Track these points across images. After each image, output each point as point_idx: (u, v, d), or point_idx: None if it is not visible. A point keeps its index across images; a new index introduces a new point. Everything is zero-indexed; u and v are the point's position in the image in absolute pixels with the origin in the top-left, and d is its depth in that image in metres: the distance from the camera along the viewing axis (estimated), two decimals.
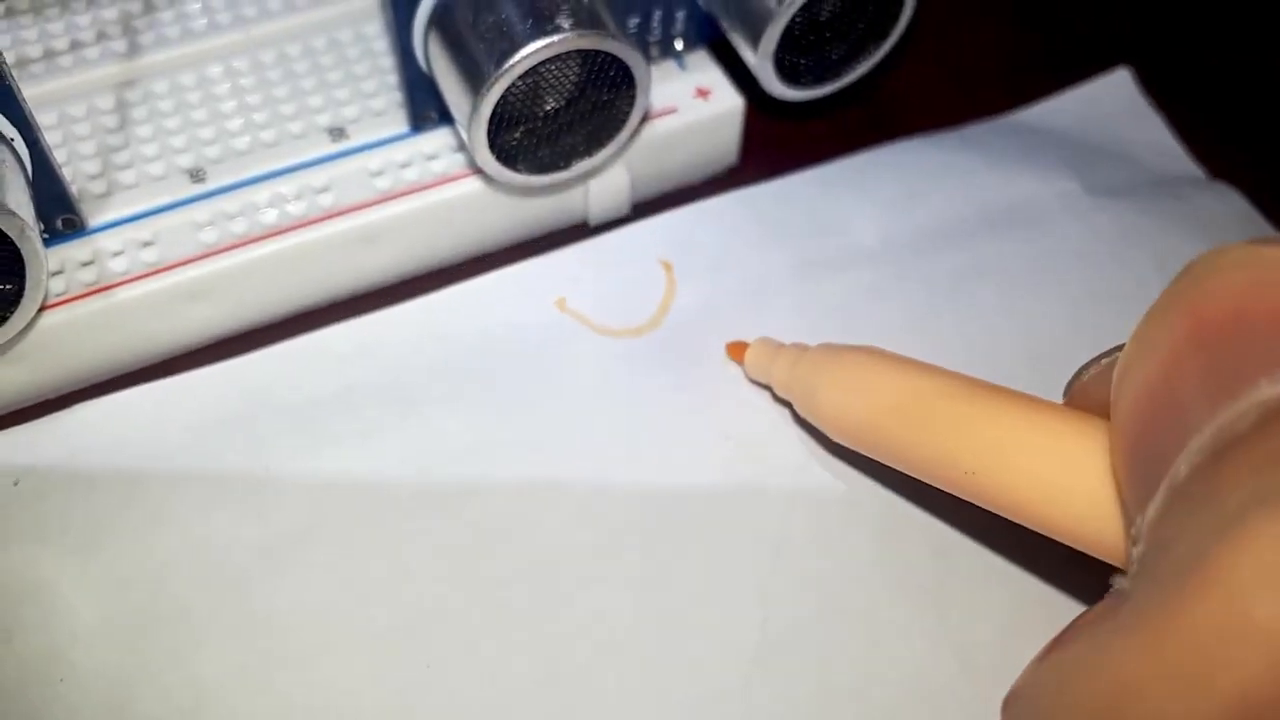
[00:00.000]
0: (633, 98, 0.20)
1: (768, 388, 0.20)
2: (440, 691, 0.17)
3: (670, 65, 0.23)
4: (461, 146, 0.21)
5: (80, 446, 0.18)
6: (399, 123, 0.22)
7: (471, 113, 0.19)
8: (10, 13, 0.22)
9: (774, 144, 0.24)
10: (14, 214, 0.16)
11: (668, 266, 0.22)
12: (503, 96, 0.19)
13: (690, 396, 0.20)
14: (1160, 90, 0.25)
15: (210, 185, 0.21)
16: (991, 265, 0.22)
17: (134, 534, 0.18)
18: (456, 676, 0.17)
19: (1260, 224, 0.23)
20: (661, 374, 0.20)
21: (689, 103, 0.23)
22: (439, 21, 0.20)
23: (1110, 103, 0.25)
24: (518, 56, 0.18)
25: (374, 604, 0.17)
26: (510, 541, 0.18)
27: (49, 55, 0.22)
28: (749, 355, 0.20)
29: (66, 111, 0.21)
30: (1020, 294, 0.21)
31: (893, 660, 0.17)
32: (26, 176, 0.18)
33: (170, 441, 0.19)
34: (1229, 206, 0.23)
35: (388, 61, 0.22)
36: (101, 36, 0.22)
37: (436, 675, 0.17)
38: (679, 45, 0.23)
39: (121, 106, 0.21)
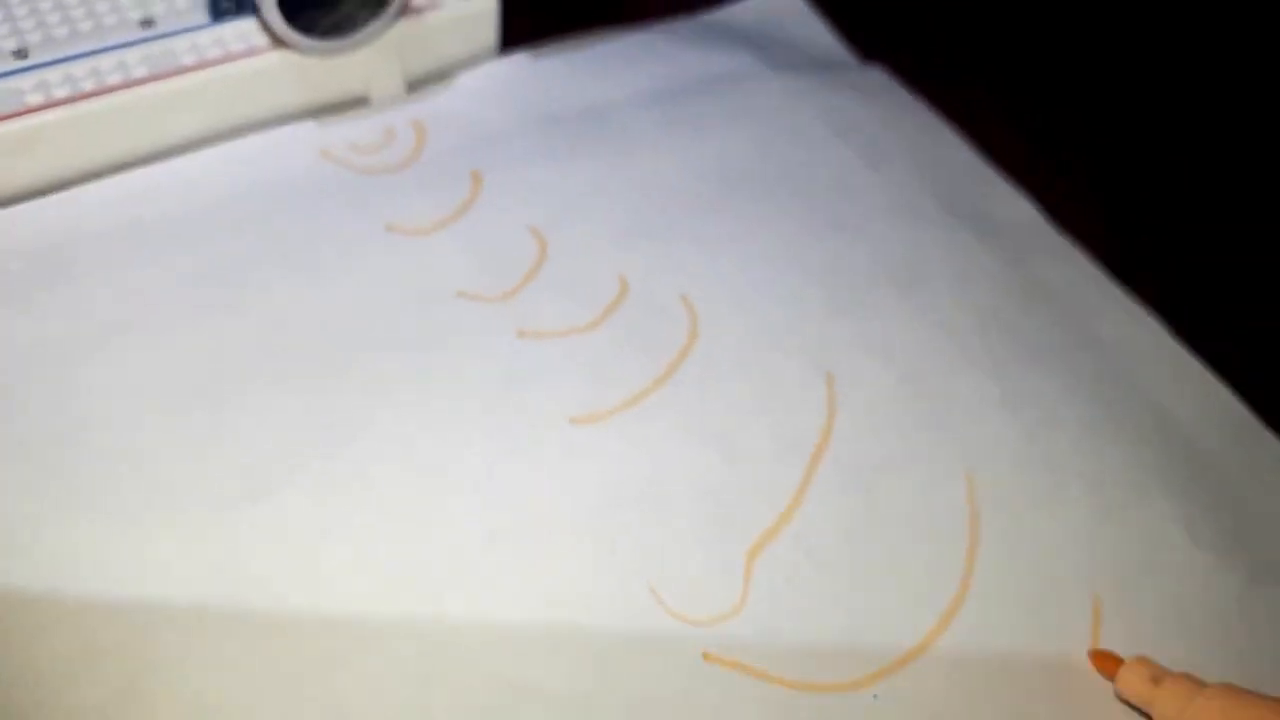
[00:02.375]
0: None
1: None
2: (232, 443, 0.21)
3: None
4: (257, 30, 0.25)
5: None
6: (202, 13, 0.25)
7: None
8: None
9: (530, 38, 0.29)
10: None
11: (418, 122, 0.26)
12: None
13: (444, 212, 0.25)
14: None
15: (33, 61, 0.24)
16: (690, 118, 0.28)
17: None
18: (247, 431, 0.21)
19: (897, 91, 0.30)
20: (419, 197, 0.25)
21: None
22: None
23: (782, 6, 0.32)
24: None
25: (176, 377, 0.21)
26: (287, 332, 0.22)
27: None
28: (1124, 676, 0.19)
29: None
30: (713, 137, 0.27)
31: None
32: None
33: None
34: (872, 80, 0.30)
35: None
36: None
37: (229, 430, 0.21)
38: None
39: None
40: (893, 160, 0.28)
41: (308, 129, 0.26)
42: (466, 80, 0.27)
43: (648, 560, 0.20)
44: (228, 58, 0.25)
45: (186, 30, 0.25)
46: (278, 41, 0.25)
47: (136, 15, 0.25)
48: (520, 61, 0.28)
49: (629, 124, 0.27)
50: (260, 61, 0.25)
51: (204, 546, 0.19)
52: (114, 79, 0.24)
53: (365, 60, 0.26)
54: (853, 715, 0.19)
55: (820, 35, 0.31)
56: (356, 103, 0.27)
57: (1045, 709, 0.19)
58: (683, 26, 0.30)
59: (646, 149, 0.27)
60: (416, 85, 0.27)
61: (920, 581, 0.21)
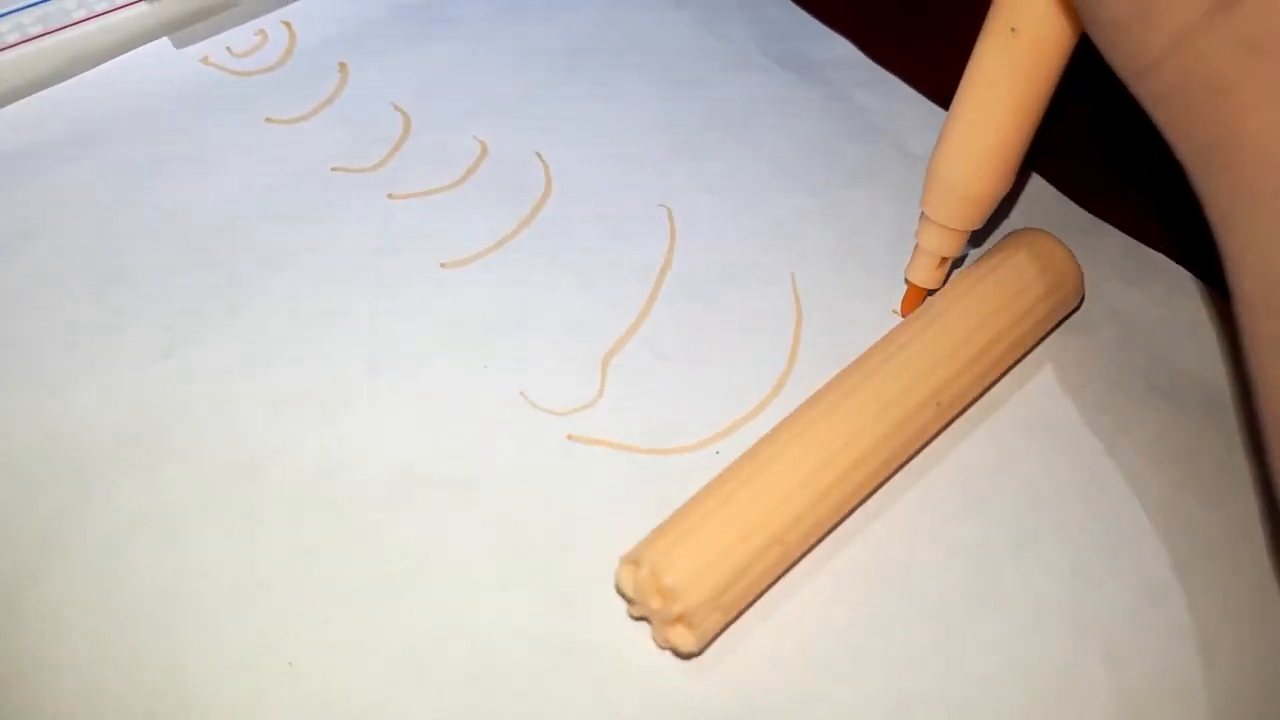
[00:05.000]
0: None
1: None
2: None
3: None
4: None
5: None
6: None
7: None
8: None
9: None
10: None
11: (287, 24, 0.29)
12: None
13: (315, 101, 0.27)
14: None
15: None
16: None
17: None
18: (157, 302, 0.24)
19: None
20: (293, 91, 0.28)
21: None
22: None
23: None
24: None
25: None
26: (186, 217, 0.25)
27: None
28: (914, 276, 0.24)
29: None
30: (560, 12, 0.30)
31: None
32: None
33: None
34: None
35: None
36: None
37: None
38: None
39: None
40: (727, 22, 0.31)
41: (188, 38, 0.28)
42: None
43: (516, 371, 0.23)
44: (113, 8, 0.28)
45: None
46: None
47: None
48: None
49: (481, 5, 0.30)
50: (142, 6, 0.28)
51: (124, 395, 0.22)
52: (12, 37, 0.27)
53: None
54: (698, 468, 0.22)
55: None
56: (228, 4, 0.29)
57: None
58: None
59: (499, 27, 0.30)
60: None
61: (754, 363, 0.24)
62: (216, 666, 0.19)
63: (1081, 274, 0.23)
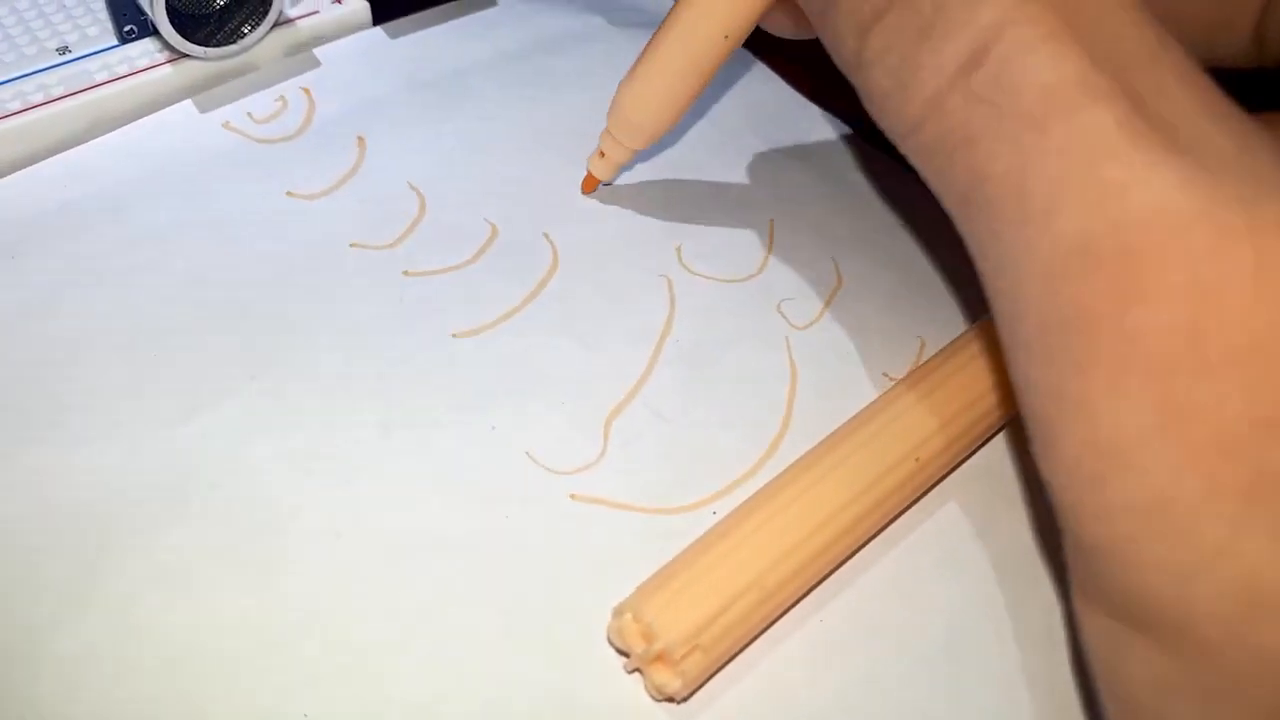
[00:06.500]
0: None
1: None
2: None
3: None
4: (159, 47, 0.29)
5: None
6: (110, 38, 0.30)
7: (153, 2, 0.27)
8: None
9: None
10: None
11: (307, 91, 0.30)
12: None
13: (334, 177, 0.29)
14: None
15: None
16: (543, 77, 0.32)
17: None
18: (178, 366, 0.25)
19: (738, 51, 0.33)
20: (312, 164, 0.29)
21: (327, 6, 0.32)
22: None
23: None
24: None
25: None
26: (206, 286, 0.26)
27: None
28: (592, 166, 0.29)
29: None
30: (566, 94, 0.32)
31: None
32: None
33: None
34: None
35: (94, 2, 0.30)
36: None
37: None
38: None
39: None
40: (724, 106, 0.32)
41: (209, 102, 0.29)
42: (345, 46, 0.32)
43: (521, 431, 0.24)
44: (134, 71, 0.29)
45: (98, 53, 0.29)
46: (176, 53, 0.29)
47: (54, 44, 0.29)
48: (394, 29, 0.32)
49: (491, 85, 0.32)
50: (163, 70, 0.29)
51: (145, 457, 0.23)
52: (37, 98, 0.28)
53: (251, 56, 0.30)
54: (696, 528, 0.23)
55: None
56: (247, 68, 0.31)
57: None
58: None
59: (508, 107, 0.31)
60: (297, 50, 0.31)
61: (750, 423, 0.25)
62: (235, 719, 0.20)
63: None
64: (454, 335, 0.26)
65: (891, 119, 0.19)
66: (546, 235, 0.28)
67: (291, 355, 0.25)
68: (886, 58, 0.19)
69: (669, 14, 0.26)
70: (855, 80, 0.20)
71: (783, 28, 0.26)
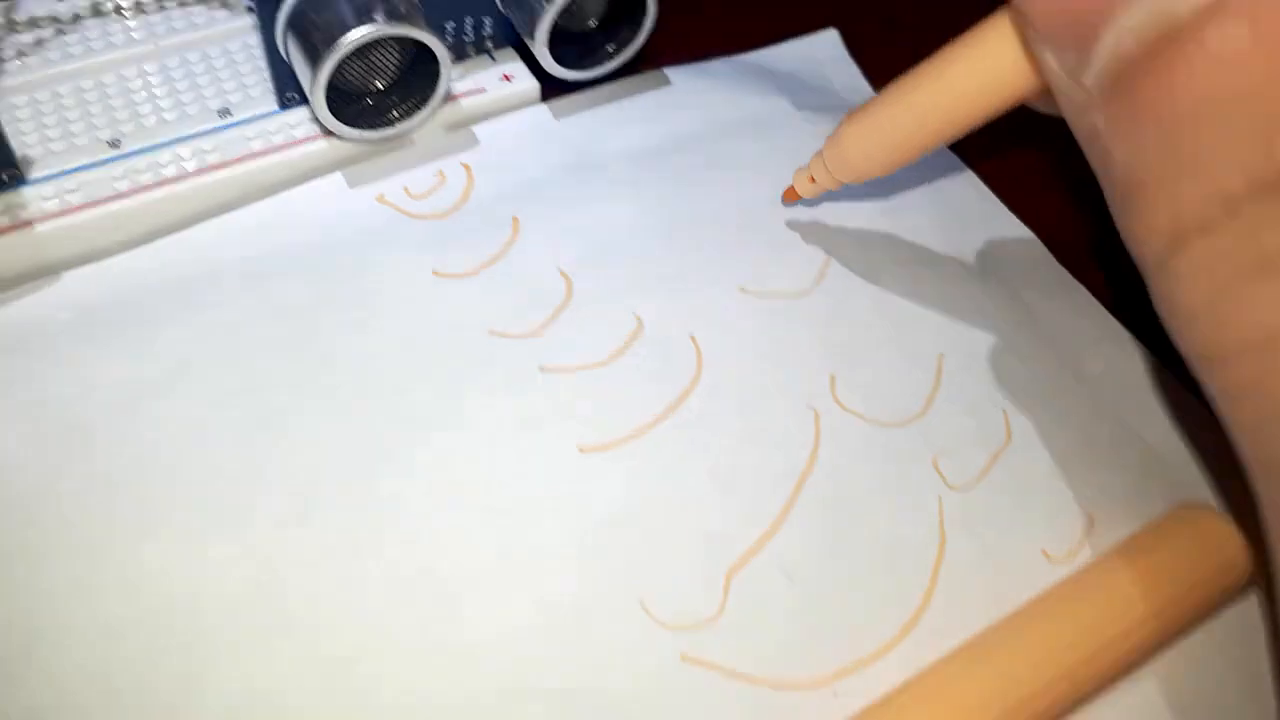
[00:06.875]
0: (437, 74, 0.28)
1: None
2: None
3: (484, 59, 0.31)
4: (315, 116, 0.29)
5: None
6: (270, 103, 0.29)
7: (313, 82, 0.26)
8: None
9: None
10: None
11: (466, 167, 0.29)
12: (339, 70, 0.26)
13: (484, 257, 0.28)
14: (857, 48, 0.35)
15: (124, 150, 0.28)
16: (717, 162, 0.30)
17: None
18: (299, 458, 0.24)
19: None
20: (464, 243, 0.28)
21: (495, 84, 0.30)
22: (293, 23, 0.27)
23: (820, 52, 0.34)
24: (342, 40, 0.26)
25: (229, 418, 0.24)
26: (335, 369, 0.25)
27: None
28: (796, 182, 0.28)
29: (9, 101, 0.28)
30: (738, 181, 0.30)
31: None
32: None
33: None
34: None
35: (262, 59, 0.30)
36: (38, 44, 0.29)
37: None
38: (490, 45, 0.31)
39: (55, 98, 0.29)
40: (911, 208, 0.30)
41: (365, 173, 0.29)
42: (509, 123, 0.30)
43: (638, 575, 0.23)
44: (290, 143, 0.28)
45: (257, 118, 0.29)
46: (329, 132, 0.28)
47: (216, 105, 0.29)
48: (560, 107, 0.31)
49: (658, 169, 0.30)
50: (319, 143, 0.29)
51: (255, 561, 0.22)
52: (191, 165, 0.28)
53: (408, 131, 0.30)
54: (813, 709, 0.21)
55: (855, 80, 0.33)
56: (402, 143, 0.30)
57: None
58: (719, 66, 0.33)
59: (672, 194, 0.29)
60: (458, 125, 0.30)
61: (886, 595, 0.23)
62: None
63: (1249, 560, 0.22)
64: (581, 450, 0.24)
65: (1193, 344, 0.16)
66: (693, 338, 0.26)
67: (415, 457, 0.24)
68: (1202, 278, 0.16)
69: (930, 59, 0.24)
70: (1146, 272, 0.17)
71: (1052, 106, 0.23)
